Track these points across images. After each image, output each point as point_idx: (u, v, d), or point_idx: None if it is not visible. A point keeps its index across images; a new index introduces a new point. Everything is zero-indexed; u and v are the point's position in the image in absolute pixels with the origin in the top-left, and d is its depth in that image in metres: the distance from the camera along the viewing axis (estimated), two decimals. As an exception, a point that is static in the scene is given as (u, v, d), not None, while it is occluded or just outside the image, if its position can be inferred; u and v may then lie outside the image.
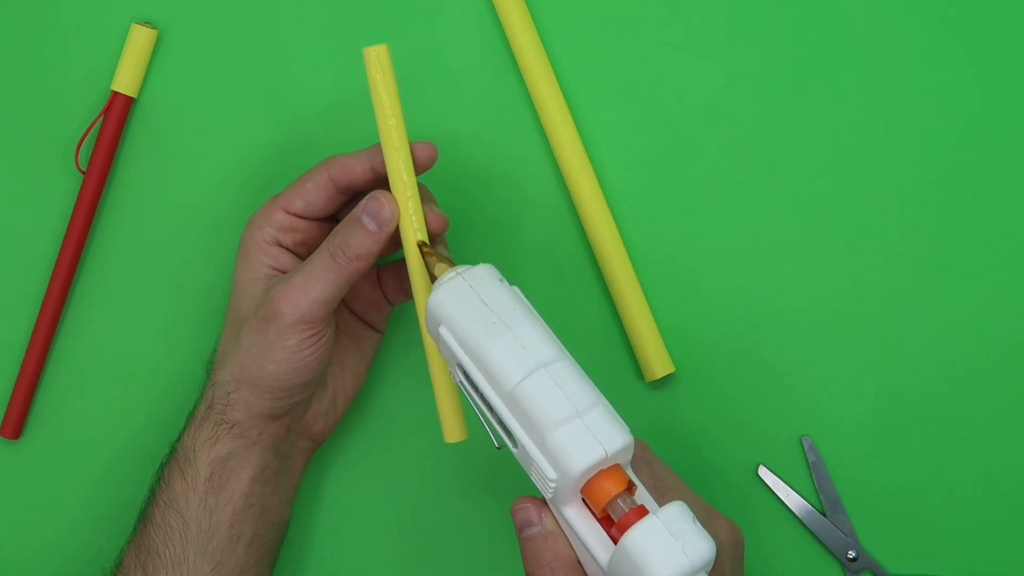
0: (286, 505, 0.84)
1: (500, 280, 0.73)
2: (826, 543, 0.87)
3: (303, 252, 0.82)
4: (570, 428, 0.69)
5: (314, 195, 0.81)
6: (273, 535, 0.83)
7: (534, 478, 0.71)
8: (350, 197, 0.82)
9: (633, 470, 0.72)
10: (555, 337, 0.72)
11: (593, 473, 0.69)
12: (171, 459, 0.82)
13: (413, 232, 0.78)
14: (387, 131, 0.78)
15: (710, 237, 0.88)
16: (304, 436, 0.84)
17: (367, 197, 0.78)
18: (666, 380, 0.88)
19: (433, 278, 0.75)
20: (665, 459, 0.88)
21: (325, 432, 0.84)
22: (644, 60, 0.88)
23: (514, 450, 0.71)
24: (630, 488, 0.69)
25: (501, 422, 0.71)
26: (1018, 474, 0.87)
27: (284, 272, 0.81)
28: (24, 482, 0.89)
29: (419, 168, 0.79)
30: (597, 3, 0.88)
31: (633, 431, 0.87)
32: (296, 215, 0.81)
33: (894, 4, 0.88)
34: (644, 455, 0.77)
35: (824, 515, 0.87)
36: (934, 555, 0.87)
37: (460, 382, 0.73)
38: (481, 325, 0.71)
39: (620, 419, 0.70)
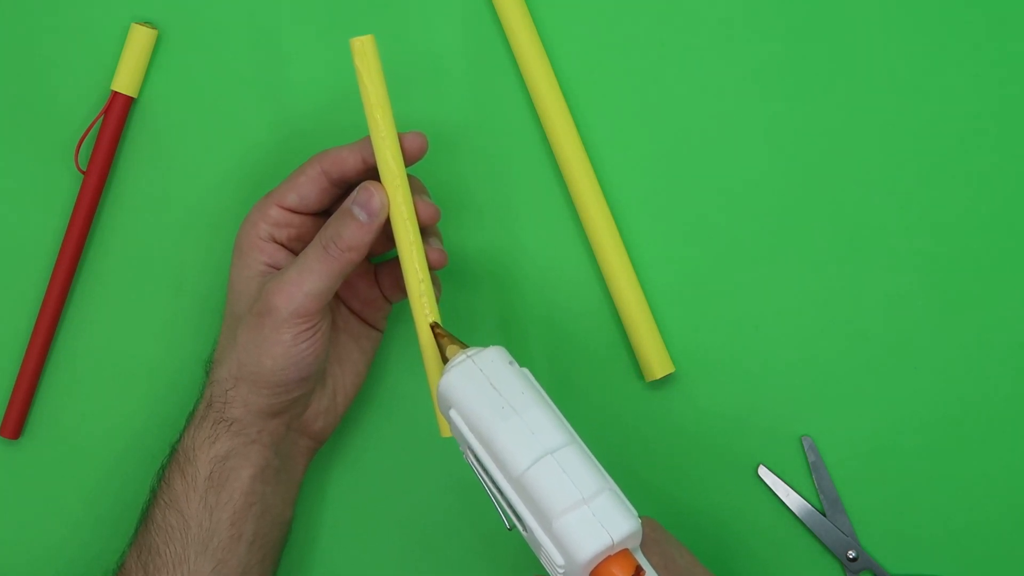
0: (288, 505, 0.84)
1: (510, 362, 0.74)
2: (826, 543, 0.87)
3: (298, 248, 0.82)
4: (577, 515, 0.69)
5: (307, 188, 0.81)
6: (275, 535, 0.83)
7: (543, 562, 0.71)
8: (343, 190, 0.82)
9: (643, 552, 0.72)
10: (564, 420, 0.73)
11: (601, 559, 0.69)
12: (171, 459, 0.82)
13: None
14: (374, 121, 0.78)
15: (710, 237, 0.88)
16: (305, 435, 0.84)
17: (357, 188, 0.79)
18: (666, 380, 0.88)
19: (445, 359, 0.76)
20: (665, 459, 0.88)
21: (325, 431, 0.85)
22: (644, 59, 0.88)
23: (524, 533, 0.72)
24: (638, 573, 0.70)
25: (511, 506, 0.72)
26: (1018, 474, 0.87)
27: (279, 268, 0.81)
28: (24, 482, 0.89)
29: (409, 158, 0.79)
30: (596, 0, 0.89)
31: (633, 431, 0.88)
32: (290, 210, 0.82)
33: (897, 5, 0.88)
34: (655, 535, 0.77)
35: (824, 515, 0.87)
36: (934, 555, 0.87)
37: (471, 463, 0.74)
38: (490, 410, 0.72)
39: (628, 503, 0.71)
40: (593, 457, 0.72)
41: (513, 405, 0.72)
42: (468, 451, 0.73)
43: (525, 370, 0.74)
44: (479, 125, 0.88)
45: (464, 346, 0.76)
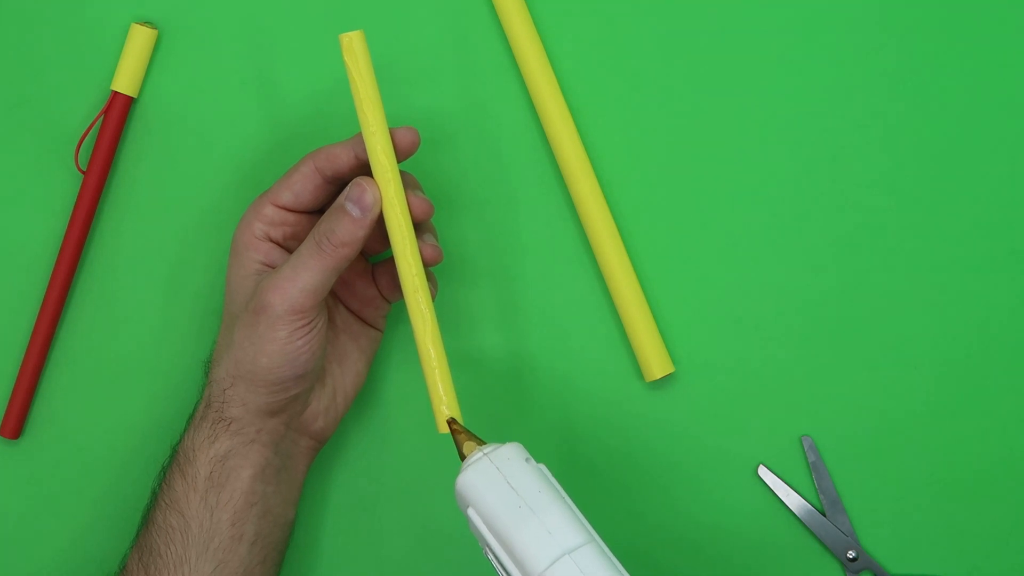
0: (290, 505, 0.84)
1: (526, 460, 0.74)
2: (826, 543, 0.87)
3: (293, 246, 0.83)
4: None
5: (301, 186, 0.81)
6: (277, 535, 0.83)
7: None
8: (337, 187, 0.82)
9: None
10: (581, 518, 0.73)
11: None
12: (172, 460, 0.82)
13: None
14: (364, 116, 0.78)
15: (710, 237, 0.88)
16: (305, 434, 0.84)
17: (350, 184, 0.79)
18: (666, 380, 0.88)
19: (462, 456, 0.77)
20: (665, 459, 0.88)
21: (326, 431, 0.84)
22: (644, 58, 0.88)
23: None
24: None
25: None
26: (1018, 474, 0.87)
27: (275, 267, 0.82)
28: (24, 482, 0.89)
29: (401, 153, 0.80)
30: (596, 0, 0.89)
31: (633, 432, 0.88)
32: (285, 208, 0.82)
33: (894, 8, 0.88)
34: None
35: (824, 515, 0.87)
36: (934, 555, 0.87)
37: (491, 560, 0.74)
38: (507, 509, 0.72)
39: None
40: (611, 554, 0.72)
41: (530, 504, 0.72)
42: (487, 548, 0.73)
43: (542, 466, 0.74)
44: (477, 121, 0.88)
45: (481, 442, 0.76)
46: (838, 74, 0.88)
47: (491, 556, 0.74)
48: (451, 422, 0.79)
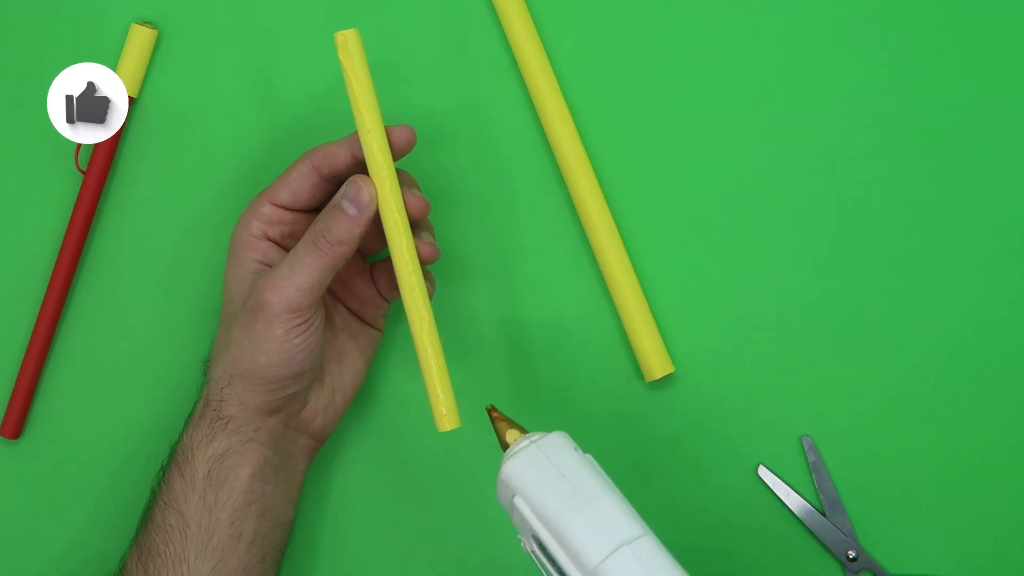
0: (290, 504, 0.83)
1: (575, 449, 0.73)
2: (826, 543, 0.87)
3: (291, 245, 0.83)
4: None
5: (298, 184, 0.82)
6: (276, 535, 0.83)
7: None
8: (335, 185, 0.82)
9: None
10: (634, 511, 0.72)
11: None
12: (171, 459, 0.82)
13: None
14: (359, 114, 0.79)
15: (710, 236, 0.88)
16: (304, 433, 0.84)
17: (346, 182, 0.79)
18: (666, 380, 0.88)
19: (504, 445, 0.75)
20: (665, 459, 0.88)
21: (325, 430, 0.85)
22: (644, 58, 0.88)
23: None
24: None
25: None
26: (1018, 474, 0.87)
27: (272, 266, 0.82)
28: (24, 482, 0.89)
29: (397, 151, 0.80)
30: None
31: (633, 432, 0.88)
32: (282, 207, 0.82)
33: (895, 8, 0.88)
34: None
35: (824, 515, 0.87)
36: (934, 555, 0.87)
37: (532, 551, 0.73)
38: (559, 498, 0.71)
39: None
40: (667, 550, 0.71)
41: (583, 494, 0.71)
42: (532, 539, 0.72)
43: (589, 456, 0.74)
44: (476, 121, 0.88)
45: (524, 430, 0.75)
46: (838, 74, 0.88)
47: (535, 547, 0.72)
48: (491, 409, 0.77)
